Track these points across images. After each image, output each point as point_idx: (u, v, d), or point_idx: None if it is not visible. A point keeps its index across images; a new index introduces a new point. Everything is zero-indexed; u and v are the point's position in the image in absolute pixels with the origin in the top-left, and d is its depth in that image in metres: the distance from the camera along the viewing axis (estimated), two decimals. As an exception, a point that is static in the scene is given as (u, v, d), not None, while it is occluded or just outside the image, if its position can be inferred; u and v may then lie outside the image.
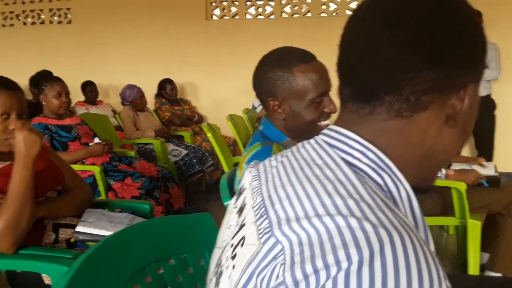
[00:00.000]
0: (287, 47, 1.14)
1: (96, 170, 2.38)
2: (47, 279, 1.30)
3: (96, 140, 2.55)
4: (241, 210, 0.54)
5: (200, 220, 0.87)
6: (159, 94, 4.02)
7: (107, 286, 0.66)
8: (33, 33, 4.95)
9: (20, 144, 1.27)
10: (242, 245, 0.47)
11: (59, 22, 4.93)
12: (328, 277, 0.35)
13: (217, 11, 4.54)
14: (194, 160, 3.32)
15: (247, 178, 0.59)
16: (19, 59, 4.81)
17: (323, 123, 1.14)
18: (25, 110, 1.37)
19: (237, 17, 4.47)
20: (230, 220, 0.56)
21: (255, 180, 0.55)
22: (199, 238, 0.85)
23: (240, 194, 0.59)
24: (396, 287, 0.34)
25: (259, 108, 3.62)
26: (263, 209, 0.46)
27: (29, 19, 5.03)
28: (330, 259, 0.36)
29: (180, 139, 3.67)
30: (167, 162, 3.20)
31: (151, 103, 3.93)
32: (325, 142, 0.51)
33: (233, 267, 0.46)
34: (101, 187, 2.37)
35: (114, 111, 4.14)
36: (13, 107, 1.32)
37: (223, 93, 4.42)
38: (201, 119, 4.14)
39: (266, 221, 0.44)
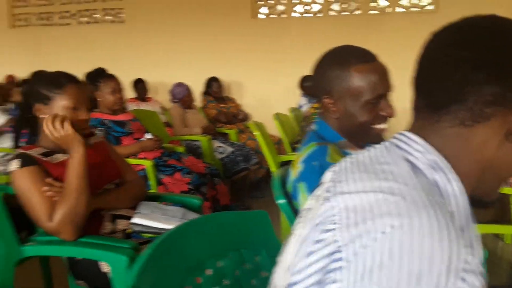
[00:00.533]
0: (349, 45, 1.13)
1: (147, 164, 2.47)
2: (104, 267, 1.37)
3: (148, 135, 2.64)
4: (318, 197, 0.61)
5: (257, 217, 0.88)
6: (206, 92, 4.10)
7: (170, 277, 0.69)
8: (87, 32, 5.20)
9: (79, 145, 1.36)
10: (309, 212, 0.59)
11: (112, 22, 5.15)
12: (369, 239, 0.45)
13: (263, 9, 4.56)
14: (239, 158, 3.36)
15: (327, 174, 0.63)
16: (74, 56, 5.06)
17: (379, 126, 1.11)
18: (89, 105, 1.48)
19: (283, 15, 4.48)
20: (307, 204, 0.64)
21: (333, 174, 0.62)
22: (256, 235, 0.86)
23: (319, 185, 0.65)
24: (420, 249, 0.43)
25: (306, 107, 3.62)
26: (330, 186, 0.58)
27: (83, 19, 5.29)
28: (372, 224, 0.46)
29: (226, 136, 3.73)
30: (213, 159, 3.26)
31: (198, 100, 4.02)
32: (394, 144, 0.58)
33: (302, 227, 0.58)
34: (152, 181, 2.45)
35: (163, 108, 4.27)
36: (84, 101, 1.43)
37: (268, 92, 4.44)
38: (246, 117, 4.18)
39: (328, 193, 0.56)
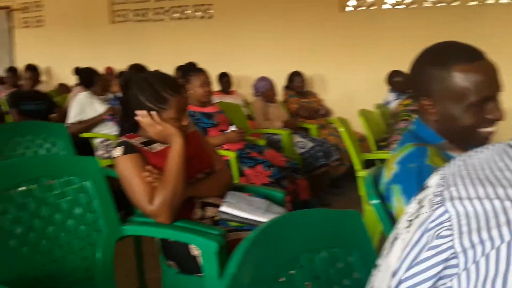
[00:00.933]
0: (451, 42, 1.04)
1: (231, 155, 2.55)
2: (194, 250, 1.45)
3: (232, 127, 2.73)
4: (421, 201, 0.59)
5: (350, 217, 0.87)
6: (288, 86, 4.11)
7: (267, 267, 0.70)
8: (178, 27, 5.49)
9: (177, 138, 1.46)
10: (417, 217, 0.56)
11: (202, 17, 5.38)
12: (492, 247, 0.43)
13: (351, 2, 4.43)
14: (320, 153, 3.32)
15: (433, 178, 0.60)
16: (166, 50, 5.38)
17: (486, 130, 1.02)
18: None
19: (373, 7, 4.31)
20: (409, 208, 0.61)
21: (441, 178, 0.59)
22: (348, 234, 0.85)
23: (423, 189, 0.61)
24: None
25: (394, 104, 3.46)
26: (439, 191, 0.55)
27: (175, 15, 5.59)
28: (497, 232, 0.44)
29: (307, 131, 3.71)
30: (293, 153, 3.27)
31: (280, 95, 4.05)
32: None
33: (407, 232, 0.56)
34: (235, 172, 2.53)
35: (245, 101, 4.37)
36: (185, 108, 1.53)
37: (352, 87, 4.32)
38: (327, 112, 4.12)
39: (440, 198, 0.53)
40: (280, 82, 4.12)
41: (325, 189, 3.49)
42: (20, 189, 1.23)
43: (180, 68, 4.12)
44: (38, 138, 2.19)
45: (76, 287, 1.31)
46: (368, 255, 0.84)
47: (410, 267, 0.50)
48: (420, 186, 0.63)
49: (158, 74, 1.55)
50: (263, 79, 3.69)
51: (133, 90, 1.51)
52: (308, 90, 4.29)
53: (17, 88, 4.68)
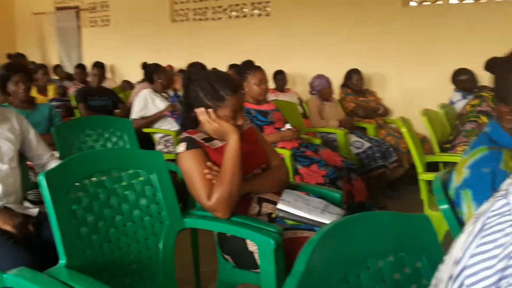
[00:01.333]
0: None
1: (286, 154, 2.55)
2: (251, 246, 1.47)
3: (288, 126, 2.73)
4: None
5: (420, 221, 0.84)
6: (345, 84, 4.03)
7: (335, 266, 0.70)
8: (237, 25, 5.56)
9: (233, 135, 1.48)
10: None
11: (259, 15, 5.41)
12: None
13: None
14: (377, 154, 3.23)
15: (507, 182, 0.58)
16: (224, 48, 5.48)
17: None
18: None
19: (439, 2, 4.09)
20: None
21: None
22: (417, 240, 0.82)
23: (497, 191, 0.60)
24: None
25: (459, 104, 3.28)
26: (505, 188, 0.56)
27: (233, 13, 5.67)
28: None
29: (363, 131, 3.62)
30: (348, 153, 3.20)
31: (337, 93, 3.98)
32: None
33: (473, 223, 0.57)
34: (289, 170, 2.53)
35: (300, 99, 4.34)
36: (241, 107, 1.55)
37: (414, 86, 4.13)
38: (386, 112, 3.99)
39: (504, 191, 0.55)
40: (337, 80, 4.05)
41: (381, 191, 3.39)
42: (92, 179, 1.31)
43: (233, 66, 4.18)
44: (106, 131, 2.32)
45: (139, 275, 1.37)
46: (438, 262, 0.80)
47: (474, 255, 0.51)
48: (493, 193, 0.60)
49: (217, 73, 1.59)
50: (319, 77, 3.65)
51: (194, 87, 1.56)
52: (366, 89, 4.17)
53: (85, 84, 4.99)
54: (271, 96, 4.13)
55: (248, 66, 2.93)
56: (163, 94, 3.59)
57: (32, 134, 1.86)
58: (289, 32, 5.00)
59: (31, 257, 1.36)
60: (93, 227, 1.27)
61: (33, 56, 7.91)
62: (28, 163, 1.95)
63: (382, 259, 0.77)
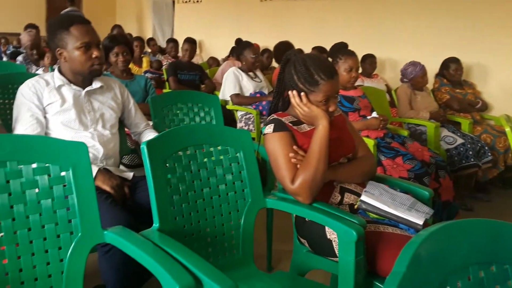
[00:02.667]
0: None
1: (370, 143, 2.46)
2: (330, 234, 1.46)
3: (374, 114, 2.62)
4: None
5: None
6: (441, 74, 3.74)
7: (433, 273, 0.67)
8: (326, 6, 5.42)
9: (323, 120, 1.46)
10: None
11: (347, -5, 5.21)
12: None
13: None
14: (470, 152, 2.99)
15: None
16: (312, 29, 5.37)
17: None
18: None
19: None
20: None
21: None
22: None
23: None
24: None
25: None
26: None
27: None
28: None
29: (457, 125, 3.36)
30: (438, 148, 3.01)
31: (431, 83, 3.72)
32: None
33: None
34: (372, 161, 2.44)
35: (388, 86, 4.14)
36: (335, 93, 1.51)
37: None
38: (485, 106, 3.65)
39: None
40: (431, 69, 3.77)
41: (470, 192, 3.15)
42: (187, 152, 1.39)
43: (315, 48, 4.09)
44: (195, 106, 2.43)
45: (220, 246, 1.44)
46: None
47: None
48: None
49: (315, 57, 1.55)
50: (414, 64, 3.43)
51: (290, 69, 1.55)
52: (464, 80, 3.84)
53: (176, 59, 5.24)
54: (357, 82, 3.99)
55: (341, 50, 2.83)
56: (249, 73, 3.64)
57: (132, 104, 2.00)
58: (382, 15, 4.75)
59: (126, 218, 1.48)
60: (184, 197, 1.35)
61: (130, 29, 8.45)
62: (126, 130, 2.11)
63: (484, 269, 0.72)
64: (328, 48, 4.24)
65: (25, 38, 3.98)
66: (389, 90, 4.01)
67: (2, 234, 1.05)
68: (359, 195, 1.54)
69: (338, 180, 1.56)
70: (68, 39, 1.66)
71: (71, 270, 1.13)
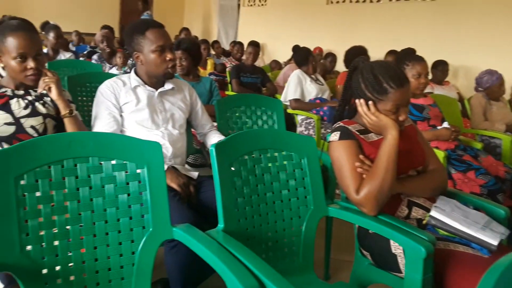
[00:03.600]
0: None
1: (440, 155, 2.34)
2: (395, 249, 1.41)
3: (445, 124, 2.49)
4: None
5: None
6: (520, 84, 3.48)
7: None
8: (395, 9, 5.23)
9: (392, 130, 1.41)
10: None
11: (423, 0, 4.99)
12: None
13: None
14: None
15: None
16: (381, 33, 5.22)
17: None
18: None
19: None
20: None
21: None
22: None
23: None
24: None
25: None
26: None
27: (393, -4, 5.34)
28: None
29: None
30: (514, 163, 2.79)
31: (508, 93, 3.47)
32: None
33: None
34: (441, 173, 2.32)
35: (460, 95, 3.91)
36: (405, 102, 1.45)
37: None
38: None
39: None
40: (509, 79, 3.51)
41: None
42: (252, 156, 1.41)
43: (392, 52, 3.95)
44: (258, 109, 2.46)
45: (281, 251, 1.44)
46: None
47: None
48: None
49: (385, 65, 1.50)
50: (490, 72, 3.21)
51: (357, 76, 1.52)
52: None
53: (239, 61, 5.34)
54: (427, 89, 3.80)
55: (408, 56, 2.72)
56: (312, 76, 3.61)
57: (199, 106, 2.07)
58: (457, 19, 4.49)
59: (192, 216, 1.53)
60: (248, 199, 1.37)
61: (196, 31, 8.74)
62: (192, 130, 2.18)
63: None
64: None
65: (99, 35, 4.26)
66: (461, 99, 3.79)
67: (82, 224, 1.13)
68: (428, 210, 1.47)
69: (406, 193, 1.50)
70: (144, 43, 1.75)
71: (142, 263, 1.19)
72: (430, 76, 4.03)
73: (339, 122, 1.57)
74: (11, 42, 1.48)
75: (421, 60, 2.50)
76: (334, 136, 1.50)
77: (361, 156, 1.45)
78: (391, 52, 4.14)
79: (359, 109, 1.51)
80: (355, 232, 1.59)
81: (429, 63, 3.98)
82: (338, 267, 2.15)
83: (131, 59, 3.54)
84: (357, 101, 1.51)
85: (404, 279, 1.28)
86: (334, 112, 3.21)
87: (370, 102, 1.47)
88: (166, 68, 1.77)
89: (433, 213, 1.41)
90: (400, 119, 1.45)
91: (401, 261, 1.38)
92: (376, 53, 4.17)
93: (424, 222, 1.45)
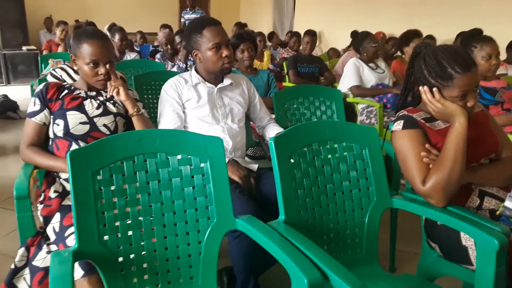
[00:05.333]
0: None
1: (515, 141, 2.18)
2: (465, 241, 1.34)
3: (521, 107, 2.30)
4: None
5: None
6: None
7: None
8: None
9: (460, 117, 1.34)
10: None
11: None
12: None
13: None
14: None
15: None
16: (445, 14, 4.91)
17: None
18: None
19: None
20: None
21: None
22: None
23: None
24: None
25: None
26: None
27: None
28: None
29: None
30: None
31: None
32: None
33: None
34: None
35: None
36: (474, 87, 1.38)
37: None
38: None
39: None
40: None
41: None
42: (311, 148, 1.41)
43: (463, 36, 3.71)
44: (317, 100, 2.44)
45: (343, 243, 1.43)
46: None
47: None
48: None
49: (448, 48, 1.42)
50: None
51: (419, 63, 1.45)
52: None
53: (296, 52, 5.29)
54: (501, 70, 3.53)
55: (475, 37, 2.55)
56: (370, 64, 3.50)
57: (257, 99, 2.10)
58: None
59: (253, 207, 1.57)
60: (308, 191, 1.38)
61: (252, 24, 8.80)
62: (251, 123, 2.22)
63: None
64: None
65: (161, 36, 4.44)
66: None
67: (152, 216, 1.21)
68: (502, 200, 1.38)
69: (477, 182, 1.42)
70: (201, 41, 1.80)
71: (208, 252, 1.24)
72: (503, 57, 3.74)
73: (402, 111, 1.51)
74: (86, 49, 1.59)
75: (489, 40, 2.33)
76: (397, 125, 1.46)
77: (427, 145, 1.39)
78: (461, 34, 3.88)
79: (423, 96, 1.44)
80: (422, 224, 1.53)
81: (503, 44, 3.70)
82: (403, 259, 2.09)
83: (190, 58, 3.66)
84: (420, 88, 1.45)
85: (475, 272, 1.22)
86: (397, 99, 3.11)
87: (434, 89, 1.40)
88: (223, 64, 1.82)
89: (507, 203, 1.33)
90: (468, 105, 1.37)
91: (472, 253, 1.32)
92: (441, 36, 3.94)
93: (497, 212, 1.37)
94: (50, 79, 2.34)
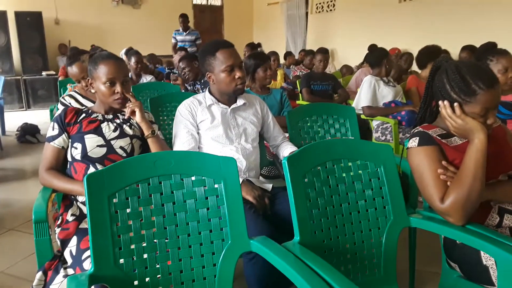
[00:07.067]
0: None
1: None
2: (486, 260, 1.30)
3: (540, 121, 2.25)
4: None
5: None
6: None
7: None
8: (477, 1, 4.87)
9: (480, 134, 1.31)
10: None
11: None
12: None
13: None
14: None
15: None
16: (460, 28, 4.88)
17: None
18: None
19: None
20: None
21: None
22: None
23: None
24: None
25: None
26: None
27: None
28: None
29: None
30: None
31: None
32: None
33: None
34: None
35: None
36: (495, 104, 1.36)
37: None
38: None
39: None
40: None
41: None
42: (325, 167, 1.40)
43: (467, 48, 3.68)
44: (330, 118, 2.43)
45: (361, 263, 1.40)
46: None
47: None
48: None
49: (472, 64, 1.39)
50: None
51: (441, 77, 1.43)
52: None
53: (310, 70, 5.32)
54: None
55: (490, 50, 2.53)
56: (384, 78, 3.49)
57: (270, 118, 2.11)
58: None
59: (268, 227, 1.56)
60: (323, 211, 1.36)
61: (265, 45, 8.91)
62: (265, 142, 2.22)
63: None
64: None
65: (177, 59, 4.53)
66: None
67: (167, 238, 1.21)
68: (524, 217, 1.34)
69: (496, 200, 1.39)
70: (214, 64, 1.83)
71: (223, 274, 1.23)
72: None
73: (418, 127, 1.50)
74: (102, 69, 1.66)
75: (506, 53, 2.31)
76: (413, 142, 1.44)
77: (443, 162, 1.37)
78: (466, 48, 3.84)
79: (442, 111, 1.42)
80: (441, 243, 1.50)
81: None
82: (424, 279, 2.03)
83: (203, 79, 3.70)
84: (440, 102, 1.43)
85: (499, 294, 1.18)
86: (412, 116, 3.08)
87: (455, 104, 1.38)
88: (236, 85, 1.84)
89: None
90: (488, 122, 1.35)
91: (493, 273, 1.27)
92: (456, 50, 3.92)
93: (519, 231, 1.33)
94: (60, 107, 2.42)
